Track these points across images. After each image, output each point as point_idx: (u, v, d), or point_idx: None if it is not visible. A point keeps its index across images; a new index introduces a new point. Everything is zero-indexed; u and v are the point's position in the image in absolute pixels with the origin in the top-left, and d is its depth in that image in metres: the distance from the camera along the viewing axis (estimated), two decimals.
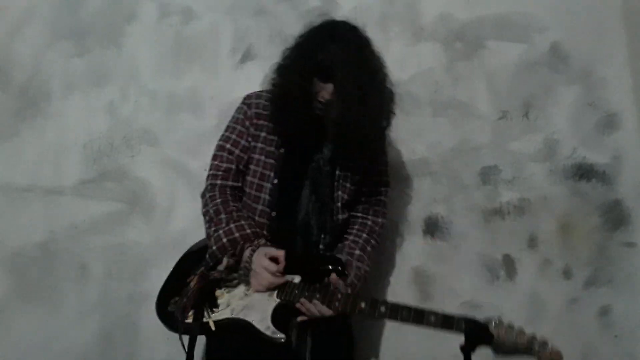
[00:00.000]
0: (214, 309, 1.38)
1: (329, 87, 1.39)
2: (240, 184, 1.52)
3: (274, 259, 1.35)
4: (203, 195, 1.51)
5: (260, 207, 1.47)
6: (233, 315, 1.36)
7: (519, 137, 1.88)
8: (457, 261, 1.86)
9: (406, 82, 1.91)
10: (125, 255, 1.94)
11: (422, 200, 1.87)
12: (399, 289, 1.85)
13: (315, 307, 1.31)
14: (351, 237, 1.55)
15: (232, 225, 1.40)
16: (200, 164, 1.95)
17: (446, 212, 1.87)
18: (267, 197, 1.47)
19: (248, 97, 1.57)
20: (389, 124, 1.52)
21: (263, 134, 1.51)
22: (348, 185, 1.52)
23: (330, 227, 1.49)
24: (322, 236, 1.48)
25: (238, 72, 1.98)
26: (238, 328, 1.34)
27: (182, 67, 2.00)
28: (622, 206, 1.84)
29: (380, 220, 1.61)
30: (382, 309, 1.28)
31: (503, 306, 1.83)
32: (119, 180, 1.98)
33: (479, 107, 1.90)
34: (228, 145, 1.52)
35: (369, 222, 1.59)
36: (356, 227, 1.57)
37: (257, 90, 1.59)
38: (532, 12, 1.90)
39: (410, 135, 1.88)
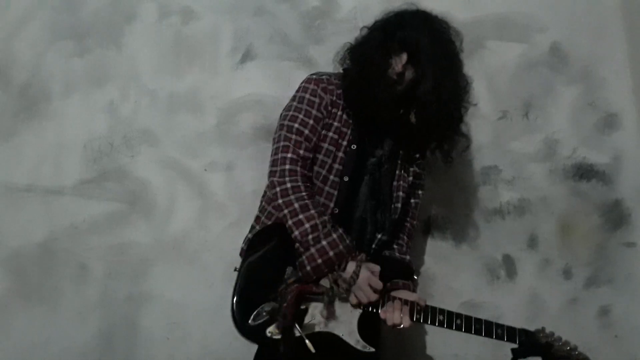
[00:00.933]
0: (302, 324, 1.32)
1: (404, 57, 1.34)
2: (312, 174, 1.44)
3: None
4: (280, 177, 1.36)
5: (322, 199, 1.42)
6: (321, 329, 1.32)
7: (519, 137, 1.88)
8: (457, 261, 1.86)
9: None
10: (125, 255, 1.94)
11: (422, 200, 1.87)
12: None
13: (394, 315, 1.31)
14: (401, 240, 1.56)
15: (324, 243, 1.31)
16: (201, 164, 1.96)
17: (446, 212, 1.87)
18: (334, 191, 1.42)
19: (319, 80, 1.45)
20: (464, 113, 1.44)
21: (336, 124, 1.43)
22: (406, 185, 1.51)
23: (386, 226, 1.47)
24: (378, 235, 1.47)
25: (238, 72, 1.98)
26: (324, 341, 1.30)
27: (182, 67, 1.99)
28: (622, 206, 1.84)
29: (415, 223, 1.62)
30: (458, 321, 1.31)
31: (503, 306, 1.83)
32: (119, 180, 1.98)
33: (479, 107, 1.90)
34: (306, 132, 1.40)
35: (408, 225, 1.59)
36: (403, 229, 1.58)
37: (323, 72, 1.52)
38: (532, 12, 1.90)
39: None
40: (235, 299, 1.37)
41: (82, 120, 2.01)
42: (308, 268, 1.32)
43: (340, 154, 1.42)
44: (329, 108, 1.43)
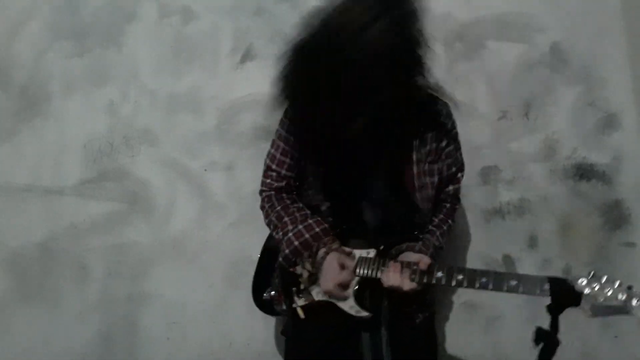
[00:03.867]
0: (300, 295, 1.40)
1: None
2: (297, 183, 1.50)
3: (344, 266, 1.34)
4: (262, 208, 1.52)
5: (314, 201, 1.48)
6: (318, 298, 1.37)
7: (519, 137, 1.88)
8: (457, 261, 1.86)
9: None
10: (125, 255, 1.94)
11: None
12: None
13: (393, 277, 1.26)
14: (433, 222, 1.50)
15: (300, 227, 1.39)
16: (200, 164, 1.96)
17: None
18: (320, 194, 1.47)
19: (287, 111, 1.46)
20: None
21: None
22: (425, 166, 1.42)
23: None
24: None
25: (238, 72, 1.98)
26: (323, 310, 1.35)
27: (182, 67, 1.99)
28: (622, 206, 1.84)
29: (457, 205, 1.58)
30: (460, 277, 1.19)
31: (503, 306, 1.83)
32: (119, 180, 1.98)
33: (479, 107, 1.90)
34: (278, 155, 1.47)
35: (448, 205, 1.54)
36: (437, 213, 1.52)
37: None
38: (532, 12, 1.90)
39: None
40: (253, 280, 1.57)
41: (82, 120, 2.01)
42: (287, 251, 1.39)
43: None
44: None
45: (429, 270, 1.24)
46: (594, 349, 1.78)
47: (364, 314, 1.31)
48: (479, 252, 1.86)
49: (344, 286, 1.33)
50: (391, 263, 1.30)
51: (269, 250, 1.56)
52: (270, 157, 1.50)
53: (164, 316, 1.91)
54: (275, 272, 1.50)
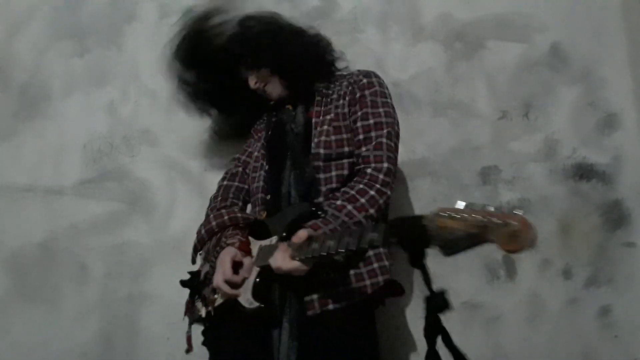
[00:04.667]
0: (213, 296, 1.36)
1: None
2: (247, 186, 1.60)
3: (239, 264, 1.30)
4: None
5: (260, 195, 1.48)
6: (223, 299, 1.31)
7: (519, 137, 1.88)
8: (457, 261, 1.86)
9: (406, 82, 1.91)
10: (125, 255, 1.94)
11: (422, 200, 1.87)
12: None
13: (277, 258, 1.15)
14: (342, 190, 1.33)
15: (211, 216, 1.46)
16: (200, 164, 1.96)
17: None
18: (262, 183, 1.48)
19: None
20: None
21: (252, 140, 1.65)
22: (324, 137, 1.39)
23: (313, 191, 1.36)
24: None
25: None
26: (230, 308, 1.27)
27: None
28: (622, 206, 1.84)
29: (384, 165, 1.35)
30: (331, 243, 1.05)
31: (503, 306, 1.83)
32: (119, 180, 1.98)
33: (479, 107, 1.90)
34: (237, 155, 1.67)
35: (369, 170, 1.35)
36: (354, 179, 1.36)
37: None
38: (532, 12, 1.90)
39: (410, 135, 1.88)
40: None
41: (82, 120, 2.01)
42: (195, 241, 1.48)
43: (257, 154, 1.56)
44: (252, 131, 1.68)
45: (306, 244, 1.11)
46: (594, 349, 1.78)
47: (255, 304, 1.20)
48: (479, 252, 1.86)
49: (234, 284, 1.25)
50: (279, 244, 1.19)
51: None
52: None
53: (164, 316, 1.91)
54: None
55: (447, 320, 1.44)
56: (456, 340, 1.37)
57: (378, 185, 1.32)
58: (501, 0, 1.92)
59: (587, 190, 1.85)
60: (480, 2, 1.92)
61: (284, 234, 1.23)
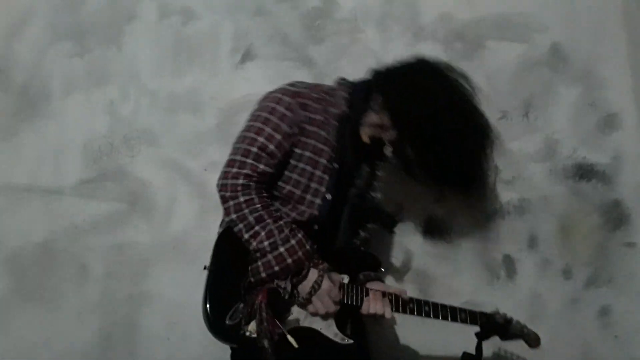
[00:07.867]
0: (281, 320, 1.29)
1: (384, 117, 1.38)
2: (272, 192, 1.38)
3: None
4: (232, 198, 1.30)
5: (298, 217, 1.37)
6: (301, 325, 1.32)
7: (519, 137, 1.88)
8: (457, 261, 1.86)
9: None
10: (125, 255, 1.94)
11: (422, 200, 1.87)
12: None
13: (377, 305, 1.34)
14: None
15: (281, 250, 1.27)
16: (201, 164, 1.96)
17: (446, 212, 1.87)
18: (316, 212, 1.38)
19: (296, 93, 1.36)
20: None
21: (312, 142, 1.35)
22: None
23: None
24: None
25: (238, 72, 1.98)
26: (304, 336, 1.29)
27: (182, 67, 1.99)
28: (622, 206, 1.84)
29: None
30: (426, 308, 1.36)
31: (503, 306, 1.82)
32: (119, 180, 1.98)
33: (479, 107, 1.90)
34: (271, 146, 1.30)
35: None
36: None
37: (300, 83, 1.44)
38: (532, 12, 1.90)
39: None
40: (208, 299, 1.32)
41: (82, 120, 2.01)
42: (263, 275, 1.29)
43: (319, 173, 1.37)
44: (303, 125, 1.34)
45: (408, 301, 1.37)
46: (594, 349, 1.78)
47: (349, 341, 1.32)
48: (479, 252, 1.86)
49: (337, 305, 1.34)
50: (371, 291, 1.36)
51: (224, 261, 1.38)
52: (266, 136, 1.31)
53: (164, 316, 1.91)
54: (243, 290, 1.30)
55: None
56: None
57: None
58: (501, 0, 1.92)
59: (587, 190, 1.85)
60: (480, 2, 1.92)
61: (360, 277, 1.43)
